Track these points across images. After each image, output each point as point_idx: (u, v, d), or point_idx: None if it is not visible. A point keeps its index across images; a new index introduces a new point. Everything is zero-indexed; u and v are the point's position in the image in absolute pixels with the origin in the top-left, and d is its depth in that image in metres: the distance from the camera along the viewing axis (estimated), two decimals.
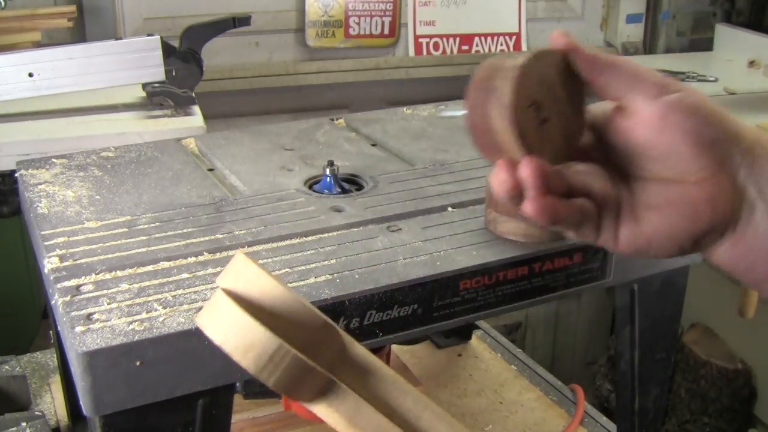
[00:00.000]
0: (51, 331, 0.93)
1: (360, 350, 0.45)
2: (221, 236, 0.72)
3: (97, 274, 0.66)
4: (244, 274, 0.43)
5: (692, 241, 0.50)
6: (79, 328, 0.58)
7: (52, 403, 1.04)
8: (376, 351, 0.84)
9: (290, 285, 0.65)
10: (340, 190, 0.83)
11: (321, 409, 0.44)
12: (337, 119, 1.06)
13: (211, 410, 0.62)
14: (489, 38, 2.22)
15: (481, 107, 0.47)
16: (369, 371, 0.45)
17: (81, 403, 0.58)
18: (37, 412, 0.93)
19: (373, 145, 0.96)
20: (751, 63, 2.12)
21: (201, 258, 0.69)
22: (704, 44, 2.32)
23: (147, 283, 0.65)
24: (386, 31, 2.12)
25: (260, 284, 0.43)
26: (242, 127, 1.05)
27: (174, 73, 1.44)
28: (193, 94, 1.47)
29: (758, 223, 0.48)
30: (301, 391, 0.42)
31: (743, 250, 0.49)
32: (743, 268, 0.50)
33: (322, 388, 0.43)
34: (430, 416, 0.46)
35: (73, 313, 0.60)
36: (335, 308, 0.64)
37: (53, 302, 0.64)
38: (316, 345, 0.43)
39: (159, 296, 0.63)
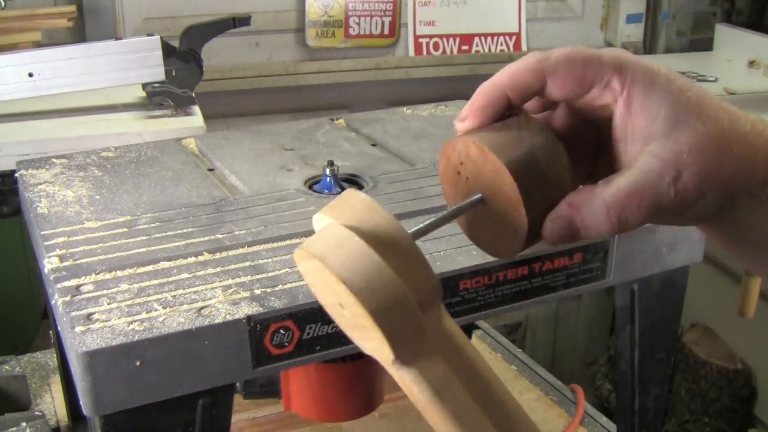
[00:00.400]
0: (51, 331, 0.93)
1: (453, 326, 0.44)
2: (221, 236, 0.72)
3: (97, 274, 0.66)
4: (369, 215, 0.40)
5: None
6: (79, 328, 0.58)
7: (52, 403, 1.04)
8: None
9: (290, 285, 0.65)
10: (340, 190, 0.83)
11: (409, 376, 0.42)
12: (337, 119, 1.06)
13: (211, 410, 0.62)
14: (489, 38, 2.22)
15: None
16: (458, 350, 0.43)
17: (81, 403, 0.58)
18: (37, 412, 0.93)
19: (373, 145, 0.96)
20: (751, 63, 2.12)
21: (201, 258, 0.69)
22: (704, 44, 2.32)
23: (147, 283, 0.65)
24: (386, 31, 2.12)
25: (387, 231, 0.40)
26: (242, 127, 1.05)
27: (174, 73, 1.44)
28: (193, 94, 1.47)
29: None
30: (401, 349, 0.40)
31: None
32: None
33: (417, 353, 0.41)
34: (507, 408, 0.44)
35: (73, 313, 0.60)
36: None
37: (53, 302, 0.64)
38: (422, 307, 0.41)
39: (159, 296, 0.63)
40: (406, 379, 0.42)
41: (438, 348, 0.42)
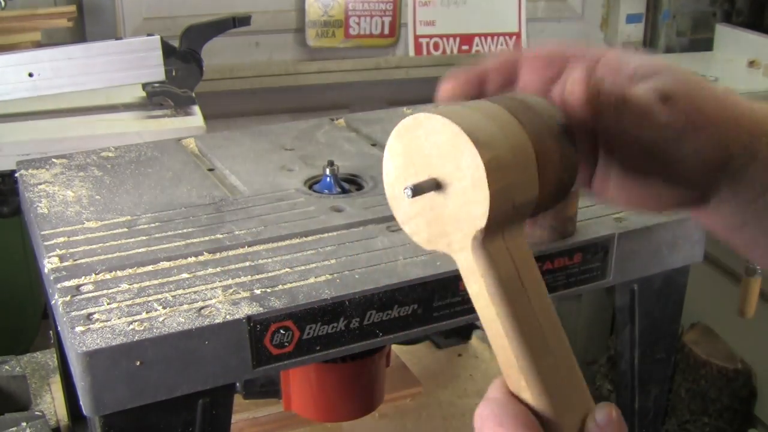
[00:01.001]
0: (51, 331, 0.93)
1: (529, 251, 0.45)
2: (221, 236, 0.72)
3: (97, 274, 0.66)
4: (495, 110, 0.42)
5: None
6: (79, 328, 0.58)
7: (52, 403, 1.04)
8: (375, 351, 0.84)
9: (290, 285, 0.65)
10: (340, 190, 0.83)
11: (483, 259, 0.42)
12: (337, 119, 1.06)
13: (211, 410, 0.62)
14: (489, 38, 2.22)
15: None
16: (530, 268, 0.44)
17: (81, 403, 0.58)
18: (37, 412, 0.93)
19: (373, 145, 0.96)
20: (751, 63, 2.12)
21: (201, 258, 0.69)
22: (704, 44, 2.32)
23: (147, 283, 0.65)
24: (386, 31, 2.12)
25: (509, 124, 0.42)
26: (242, 127, 1.05)
27: (174, 73, 1.44)
28: (193, 94, 1.47)
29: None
30: (495, 218, 0.41)
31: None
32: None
33: (497, 241, 0.42)
34: (560, 336, 0.45)
35: (73, 313, 0.60)
36: (335, 308, 0.64)
37: (53, 302, 0.64)
38: (516, 210, 0.42)
39: (159, 296, 0.63)
40: (480, 262, 0.42)
41: (516, 257, 0.43)
